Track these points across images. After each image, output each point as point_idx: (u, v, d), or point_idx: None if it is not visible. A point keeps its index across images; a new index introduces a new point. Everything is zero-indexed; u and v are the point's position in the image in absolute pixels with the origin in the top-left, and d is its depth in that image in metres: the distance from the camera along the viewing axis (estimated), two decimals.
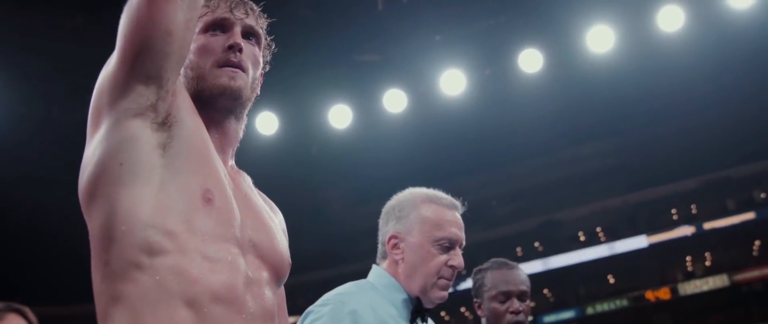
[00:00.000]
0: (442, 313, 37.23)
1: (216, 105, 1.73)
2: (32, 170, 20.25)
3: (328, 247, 38.23)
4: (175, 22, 1.55)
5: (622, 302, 34.36)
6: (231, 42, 1.74)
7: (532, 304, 3.48)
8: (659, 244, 34.05)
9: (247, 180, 1.85)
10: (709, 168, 34.39)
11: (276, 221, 1.86)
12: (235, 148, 1.82)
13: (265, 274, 1.67)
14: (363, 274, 2.61)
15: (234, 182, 1.73)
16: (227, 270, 1.56)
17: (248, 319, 1.56)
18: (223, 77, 1.72)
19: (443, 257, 2.47)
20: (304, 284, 28.61)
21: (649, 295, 33.84)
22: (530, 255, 36.28)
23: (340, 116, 14.79)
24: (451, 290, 2.53)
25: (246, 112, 1.82)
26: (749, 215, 32.76)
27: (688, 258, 35.77)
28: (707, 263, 35.56)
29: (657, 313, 34.00)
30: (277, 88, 14.03)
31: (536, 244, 38.06)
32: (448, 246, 2.49)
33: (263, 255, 1.68)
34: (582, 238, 37.72)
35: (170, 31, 1.54)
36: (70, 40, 13.51)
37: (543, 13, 14.24)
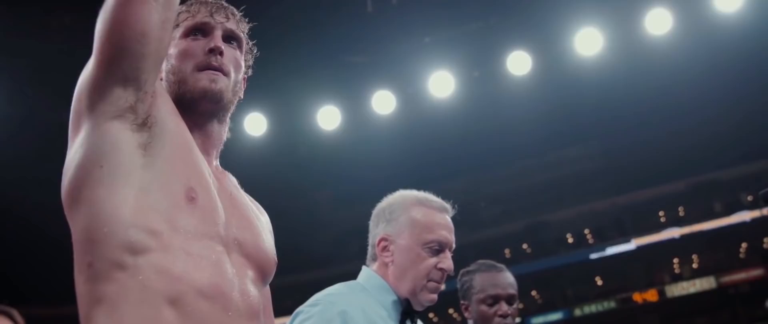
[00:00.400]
0: (431, 315, 37.27)
1: (198, 108, 1.73)
2: (25, 170, 20.16)
3: (315, 249, 38.16)
4: (150, 23, 1.55)
5: (609, 304, 34.46)
6: (211, 45, 1.75)
7: (521, 306, 3.48)
8: (647, 246, 34.16)
9: (233, 180, 1.85)
10: (696, 170, 34.54)
11: (263, 221, 1.86)
12: (219, 150, 1.83)
13: (250, 273, 1.67)
14: (351, 275, 2.61)
15: (219, 182, 1.73)
16: (211, 267, 1.55)
17: (234, 317, 1.55)
18: (204, 80, 1.73)
19: (433, 260, 2.48)
20: (291, 285, 28.54)
21: (637, 296, 33.95)
22: (518, 257, 36.34)
23: (328, 117, 14.79)
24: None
25: (229, 114, 1.82)
26: (736, 217, 32.92)
27: (676, 260, 35.91)
28: (694, 265, 35.71)
29: (644, 314, 34.11)
30: (266, 89, 14.01)
31: (524, 245, 38.12)
32: (437, 249, 2.49)
33: (248, 253, 1.68)
34: (570, 240, 37.82)
35: (145, 33, 1.54)
36: (59, 40, 13.46)
37: (532, 15, 14.28)
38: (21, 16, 13.77)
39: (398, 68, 14.82)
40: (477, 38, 14.67)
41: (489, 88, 16.36)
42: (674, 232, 33.90)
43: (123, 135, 1.56)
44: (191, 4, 1.82)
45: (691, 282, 33.48)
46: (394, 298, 2.48)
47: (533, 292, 37.21)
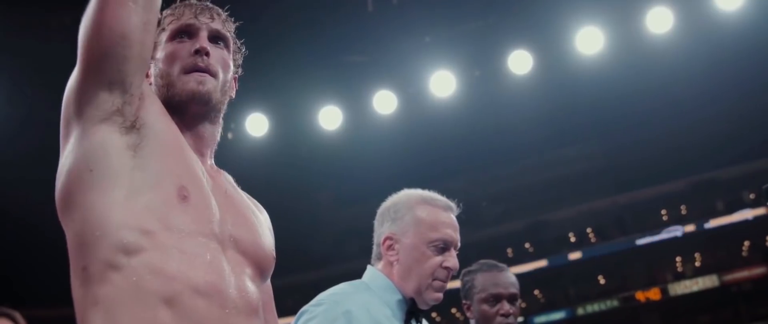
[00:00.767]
0: (433, 314, 37.26)
1: (188, 111, 1.73)
2: (24, 170, 20.15)
3: (316, 249, 38.18)
4: (130, 25, 1.55)
5: (612, 303, 34.41)
6: (197, 46, 1.75)
7: (523, 305, 3.49)
8: (649, 245, 34.12)
9: (229, 178, 1.85)
10: (698, 169, 34.49)
11: (261, 219, 1.85)
12: (214, 149, 1.83)
13: (247, 270, 1.67)
14: (351, 275, 2.60)
15: (213, 180, 1.73)
16: (206, 265, 1.55)
17: (232, 314, 1.55)
18: (191, 83, 1.72)
19: (438, 258, 2.47)
20: (292, 285, 28.55)
21: (640, 295, 33.90)
22: (520, 256, 36.30)
23: (329, 117, 14.80)
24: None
25: (221, 115, 1.82)
26: (738, 216, 32.88)
27: (678, 258, 35.87)
28: (697, 264, 35.67)
29: (647, 313, 34.08)
30: (267, 89, 14.03)
31: (526, 245, 38.09)
32: (442, 247, 2.49)
33: (245, 250, 1.68)
34: (572, 239, 37.79)
35: (125, 35, 1.55)
36: (60, 40, 13.46)
37: (532, 14, 14.28)
38: (21, 16, 13.77)
39: (399, 68, 14.83)
40: (478, 37, 14.68)
41: (490, 87, 16.37)
42: (677, 231, 33.87)
43: (111, 138, 1.56)
44: (176, 7, 1.82)
45: (693, 280, 33.43)
46: (399, 297, 2.47)
47: (536, 292, 37.18)
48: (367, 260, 2.62)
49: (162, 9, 1.76)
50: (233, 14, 1.88)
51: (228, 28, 1.85)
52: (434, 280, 2.46)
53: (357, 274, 2.60)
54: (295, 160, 21.57)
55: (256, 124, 14.53)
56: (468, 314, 3.33)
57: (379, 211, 2.63)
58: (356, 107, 15.02)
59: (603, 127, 36.06)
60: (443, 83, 14.12)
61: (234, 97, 1.87)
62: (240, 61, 1.91)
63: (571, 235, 37.85)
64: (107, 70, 1.55)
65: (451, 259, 2.49)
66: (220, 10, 1.85)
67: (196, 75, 1.73)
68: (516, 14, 14.40)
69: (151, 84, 1.76)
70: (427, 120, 19.84)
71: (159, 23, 1.79)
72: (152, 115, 1.63)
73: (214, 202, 1.65)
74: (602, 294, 35.70)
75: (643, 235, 34.28)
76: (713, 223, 33.19)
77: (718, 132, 33.85)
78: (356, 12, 14.51)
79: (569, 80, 20.61)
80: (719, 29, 16.19)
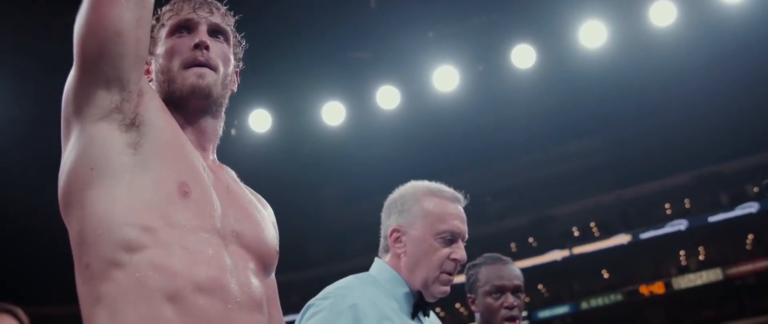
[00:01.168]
0: (437, 309, 37.22)
1: (188, 105, 1.74)
2: (26, 171, 20.19)
3: (320, 245, 38.19)
4: (123, 22, 1.55)
5: (616, 297, 34.42)
6: (196, 40, 1.74)
7: (527, 299, 3.49)
8: (653, 239, 34.11)
9: (231, 173, 1.85)
10: (702, 162, 34.46)
11: (264, 213, 1.85)
12: (216, 144, 1.82)
13: (250, 264, 1.67)
14: (356, 271, 2.59)
15: (215, 175, 1.73)
16: (209, 261, 1.55)
17: (235, 308, 1.55)
18: (192, 77, 1.72)
19: (446, 250, 2.45)
20: (297, 281, 28.60)
21: (644, 289, 33.89)
22: (524, 250, 36.30)
23: (333, 113, 14.79)
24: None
25: (222, 109, 1.82)
26: (742, 209, 32.84)
27: (682, 252, 35.85)
28: (701, 257, 35.64)
29: (651, 307, 34.08)
30: (270, 85, 14.02)
31: (530, 239, 38.09)
32: (450, 239, 2.47)
33: (248, 245, 1.68)
34: (576, 234, 37.78)
35: (120, 32, 1.55)
36: (65, 40, 13.48)
37: (535, 8, 14.26)
38: (26, 17, 13.79)
39: (402, 63, 14.82)
40: (481, 32, 14.66)
41: (493, 82, 16.35)
42: (680, 224, 33.85)
43: (111, 136, 1.57)
44: (175, 2, 1.82)
45: (697, 274, 33.41)
46: (407, 290, 2.46)
47: (540, 286, 37.20)
48: (371, 257, 2.62)
49: (161, 5, 1.76)
50: (237, 11, 1.88)
51: (227, 22, 1.85)
52: (442, 272, 2.44)
53: (360, 271, 2.59)
54: (298, 156, 21.57)
55: (260, 121, 14.51)
56: (473, 308, 3.33)
57: (386, 203, 2.62)
58: (359, 103, 15.02)
59: (607, 121, 36.02)
60: (446, 78, 14.10)
61: (235, 90, 1.87)
62: (241, 55, 1.91)
63: (575, 229, 37.84)
64: (103, 68, 1.56)
65: (459, 251, 2.47)
66: (219, 4, 1.85)
67: (196, 69, 1.72)
68: (519, 9, 14.39)
69: (151, 80, 1.76)
70: (430, 115, 19.83)
71: (158, 19, 1.80)
72: (152, 111, 1.63)
73: (215, 198, 1.65)
74: (606, 288, 35.70)
75: (647, 229, 34.27)
76: (717, 216, 33.17)
77: (721, 125, 33.80)
78: (359, 8, 14.51)
79: (572, 74, 20.57)
80: (722, 22, 16.16)
